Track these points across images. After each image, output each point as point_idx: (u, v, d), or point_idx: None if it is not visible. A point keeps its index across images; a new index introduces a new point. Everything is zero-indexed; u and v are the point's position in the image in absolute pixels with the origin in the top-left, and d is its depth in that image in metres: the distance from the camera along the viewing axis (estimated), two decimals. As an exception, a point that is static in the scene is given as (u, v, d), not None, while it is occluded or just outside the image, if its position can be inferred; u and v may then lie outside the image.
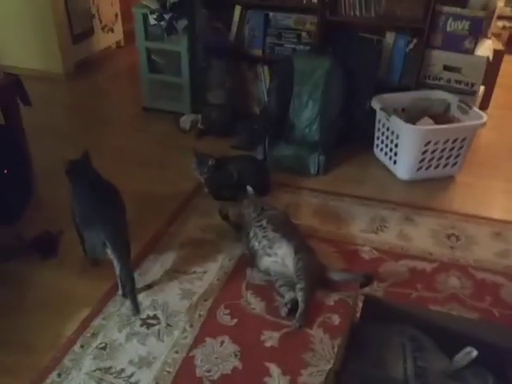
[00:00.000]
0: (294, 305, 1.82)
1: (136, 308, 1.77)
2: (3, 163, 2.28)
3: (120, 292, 1.86)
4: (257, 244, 1.99)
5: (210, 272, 2.02)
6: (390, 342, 1.30)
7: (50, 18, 3.68)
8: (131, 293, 1.78)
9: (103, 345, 1.69)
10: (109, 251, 1.79)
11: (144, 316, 1.81)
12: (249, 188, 2.27)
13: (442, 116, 2.83)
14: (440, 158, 2.67)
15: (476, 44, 2.82)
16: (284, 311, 1.81)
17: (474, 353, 1.27)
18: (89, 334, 1.73)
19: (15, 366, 1.63)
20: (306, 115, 2.92)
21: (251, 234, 2.04)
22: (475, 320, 1.75)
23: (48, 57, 3.83)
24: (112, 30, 4.45)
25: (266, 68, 3.17)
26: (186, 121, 3.20)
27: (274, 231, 1.99)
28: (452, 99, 2.84)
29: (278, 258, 1.94)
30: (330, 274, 1.96)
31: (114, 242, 1.79)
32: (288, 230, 2.04)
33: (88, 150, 2.06)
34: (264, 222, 2.04)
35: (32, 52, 3.84)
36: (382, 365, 1.24)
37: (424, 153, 2.61)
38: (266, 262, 1.97)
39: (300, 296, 1.81)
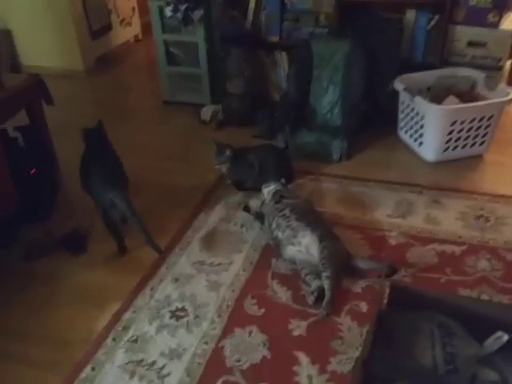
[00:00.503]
0: (320, 293, 1.81)
1: (158, 250, 2.02)
2: (30, 163, 2.33)
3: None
4: (280, 234, 1.99)
5: (236, 263, 2.04)
6: (417, 328, 1.29)
7: (68, 16, 3.72)
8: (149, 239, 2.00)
9: (134, 338, 1.73)
10: (122, 210, 2.03)
11: (173, 308, 1.84)
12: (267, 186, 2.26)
13: (468, 93, 2.74)
14: (467, 138, 2.60)
15: (500, 17, 2.71)
16: (311, 299, 1.81)
17: (505, 337, 1.24)
18: (120, 328, 1.77)
19: (50, 361, 1.69)
20: (327, 100, 2.88)
21: (274, 225, 2.04)
22: (505, 304, 1.70)
23: (68, 54, 3.89)
24: (130, 24, 4.47)
25: (284, 54, 3.13)
26: (206, 112, 3.20)
27: (297, 220, 1.98)
28: (478, 76, 2.75)
29: (303, 247, 1.93)
30: (356, 261, 1.94)
31: (127, 202, 2.02)
32: (312, 218, 2.02)
33: (101, 120, 2.30)
34: (287, 212, 2.03)
35: (52, 50, 3.90)
36: (410, 352, 1.23)
37: (450, 133, 2.54)
38: (290, 251, 1.97)
39: (326, 284, 1.81)
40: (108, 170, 2.12)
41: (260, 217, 2.20)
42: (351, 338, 1.69)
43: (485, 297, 1.80)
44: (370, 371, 1.15)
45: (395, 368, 1.20)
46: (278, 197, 2.13)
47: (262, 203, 2.22)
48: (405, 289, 1.45)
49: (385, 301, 1.50)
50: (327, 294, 1.79)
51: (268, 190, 2.21)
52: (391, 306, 1.44)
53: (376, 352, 1.24)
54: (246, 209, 2.29)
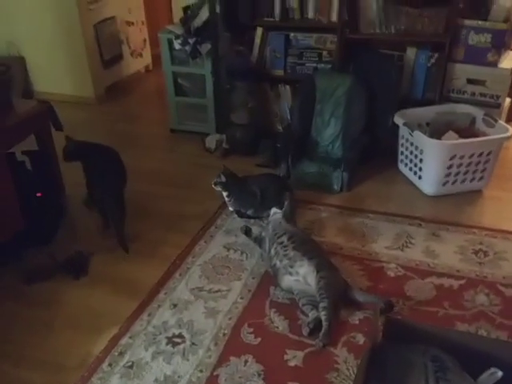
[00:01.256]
0: (317, 324, 1.82)
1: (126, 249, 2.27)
2: (37, 187, 2.38)
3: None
4: (278, 262, 2.01)
5: (234, 290, 2.05)
6: (411, 362, 1.29)
7: (80, 46, 3.85)
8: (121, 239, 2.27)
9: (130, 363, 1.73)
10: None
11: (170, 334, 1.84)
12: (274, 210, 2.28)
13: (467, 130, 2.79)
14: (466, 173, 2.63)
15: (499, 56, 2.78)
16: (305, 331, 1.81)
17: (499, 373, 1.24)
18: (116, 353, 1.78)
19: (47, 384, 1.69)
20: (329, 132, 2.94)
21: (272, 252, 2.06)
22: (499, 340, 1.70)
23: (79, 82, 4.00)
24: (141, 55, 4.60)
25: (287, 87, 3.21)
26: (211, 141, 3.27)
27: (294, 249, 2.00)
28: (477, 112, 2.81)
29: (300, 276, 1.94)
30: (354, 293, 1.94)
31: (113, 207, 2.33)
32: (309, 247, 2.04)
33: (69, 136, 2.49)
34: (285, 239, 2.05)
35: (64, 78, 4.02)
36: (403, 385, 1.23)
37: (449, 167, 2.58)
38: (288, 280, 1.98)
39: (323, 315, 1.81)
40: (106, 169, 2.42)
41: (259, 241, 2.23)
42: (347, 370, 1.68)
43: (482, 332, 1.80)
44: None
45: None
46: (278, 226, 2.15)
47: (265, 226, 2.24)
48: (399, 322, 1.45)
49: (380, 334, 1.50)
50: (324, 325, 1.80)
51: (275, 211, 2.24)
52: (385, 339, 1.44)
53: (370, 384, 1.24)
54: (247, 232, 2.31)
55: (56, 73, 4.02)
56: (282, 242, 2.05)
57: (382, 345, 1.42)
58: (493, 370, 1.25)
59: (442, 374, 1.24)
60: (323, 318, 1.81)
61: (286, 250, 2.01)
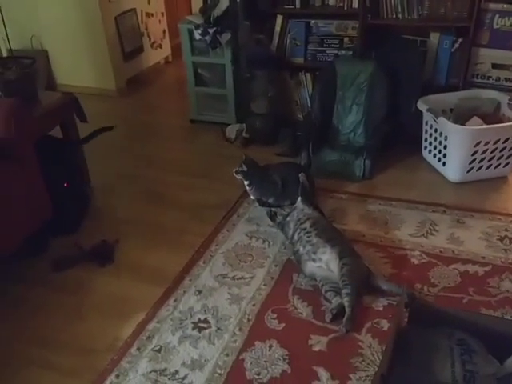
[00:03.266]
0: (340, 310, 1.82)
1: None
2: (64, 177, 2.44)
3: None
4: (301, 248, 2.02)
5: (257, 277, 2.07)
6: (437, 345, 1.29)
7: (102, 39, 3.89)
8: None
9: (158, 347, 1.77)
10: None
11: (195, 320, 1.87)
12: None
13: (492, 115, 2.74)
14: (491, 159, 2.59)
15: (526, 40, 2.72)
16: (328, 317, 1.82)
17: (527, 357, 1.23)
18: (144, 337, 1.81)
19: (76, 368, 1.74)
20: (350, 120, 2.92)
21: (296, 238, 2.07)
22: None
23: (101, 75, 4.05)
24: (160, 47, 4.63)
25: (308, 75, 3.20)
26: (231, 131, 3.28)
27: (317, 236, 2.01)
28: (502, 98, 2.75)
29: (323, 263, 1.95)
30: (377, 280, 1.94)
31: None
32: (332, 234, 2.05)
33: None
34: (307, 226, 2.06)
35: (86, 71, 4.08)
36: (429, 369, 1.23)
37: (474, 153, 2.54)
38: (311, 267, 1.99)
39: (346, 301, 1.82)
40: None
41: (282, 225, 2.24)
42: (372, 355, 1.69)
43: (508, 318, 1.78)
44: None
45: None
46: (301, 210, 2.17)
47: (290, 212, 2.25)
48: (424, 306, 1.45)
49: (405, 318, 1.50)
50: (347, 311, 1.80)
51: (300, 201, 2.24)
52: (411, 322, 1.44)
53: (395, 368, 1.25)
54: (272, 216, 2.31)
55: (78, 66, 4.07)
56: (304, 228, 2.06)
57: (407, 329, 1.42)
58: (521, 353, 1.24)
59: (467, 357, 1.24)
60: (346, 304, 1.82)
61: (309, 237, 2.02)
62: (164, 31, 4.65)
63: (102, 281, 2.13)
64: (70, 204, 2.45)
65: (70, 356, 1.78)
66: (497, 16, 2.70)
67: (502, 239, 2.22)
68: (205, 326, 1.85)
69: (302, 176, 2.34)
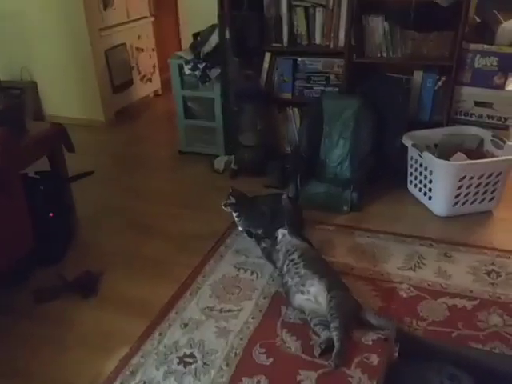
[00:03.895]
0: (329, 344, 1.79)
1: None
2: (49, 207, 2.40)
3: None
4: (290, 280, 2.00)
5: (245, 310, 2.03)
6: (427, 380, 1.27)
7: (91, 71, 3.94)
8: None
9: (142, 383, 1.71)
10: None
11: (181, 354, 1.82)
12: (280, 231, 2.27)
13: (475, 151, 2.81)
14: (476, 193, 2.63)
15: (506, 79, 2.81)
16: (317, 351, 1.78)
17: (520, 392, 1.21)
18: (128, 372, 1.75)
19: (58, 404, 1.67)
20: (337, 153, 2.97)
21: (285, 269, 2.05)
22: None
23: (90, 106, 4.07)
24: (150, 80, 4.70)
25: (295, 110, 3.25)
26: (220, 162, 3.30)
27: (305, 267, 1.99)
28: (485, 134, 2.83)
29: (311, 296, 1.93)
30: (366, 315, 1.91)
31: None
32: (320, 266, 2.03)
33: None
34: (295, 256, 2.05)
35: (75, 102, 4.10)
36: (421, 404, 1.21)
37: (459, 188, 2.59)
38: (299, 299, 1.96)
39: (335, 335, 1.78)
40: None
41: (268, 253, 2.24)
42: (361, 390, 1.65)
43: (498, 352, 1.77)
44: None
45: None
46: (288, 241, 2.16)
47: (276, 241, 2.24)
48: (415, 340, 1.43)
49: (395, 352, 1.48)
50: (336, 345, 1.77)
51: (282, 232, 2.23)
52: (401, 357, 1.42)
53: (387, 403, 1.22)
54: (258, 239, 2.33)
55: (67, 97, 4.10)
56: (292, 260, 2.05)
57: (397, 363, 1.39)
58: (513, 388, 1.23)
59: (460, 392, 1.22)
60: (335, 338, 1.78)
61: (297, 268, 2.00)
62: (154, 65, 4.73)
63: (85, 313, 2.07)
64: (55, 234, 2.40)
65: (50, 392, 1.71)
66: (478, 56, 2.81)
67: (489, 273, 2.23)
68: (190, 360, 1.79)
69: (284, 199, 2.35)
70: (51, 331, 1.98)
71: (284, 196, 2.38)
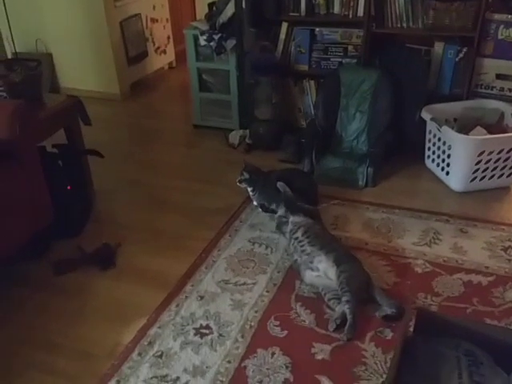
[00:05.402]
0: (344, 319, 1.81)
1: None
2: (67, 180, 2.43)
3: None
4: (299, 259, 2.02)
5: (260, 284, 2.06)
6: (444, 356, 1.27)
7: (107, 43, 3.90)
8: None
9: (159, 353, 1.75)
10: None
11: (197, 325, 1.86)
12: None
13: (495, 126, 2.75)
14: (494, 169, 2.59)
15: (530, 51, 2.73)
16: (331, 326, 1.80)
17: (535, 369, 1.22)
18: (146, 343, 1.80)
19: (76, 372, 1.72)
20: (354, 127, 2.93)
21: (292, 249, 2.06)
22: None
23: (105, 79, 4.06)
24: (165, 52, 4.64)
25: (312, 82, 3.20)
26: (234, 136, 3.29)
27: (310, 244, 1.99)
28: (506, 108, 2.76)
29: (321, 272, 1.94)
30: (374, 292, 1.90)
31: None
32: (325, 241, 2.02)
33: None
34: (299, 235, 2.05)
35: (91, 75, 4.09)
36: (436, 379, 1.22)
37: (478, 163, 2.54)
38: (310, 276, 1.98)
39: (347, 308, 1.80)
40: None
41: (278, 223, 2.26)
42: (375, 364, 1.67)
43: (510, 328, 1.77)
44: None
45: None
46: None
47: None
48: (431, 316, 1.43)
49: (411, 328, 1.49)
50: (348, 318, 1.79)
51: (294, 220, 2.18)
52: (417, 332, 1.43)
53: (402, 378, 1.23)
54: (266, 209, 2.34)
55: (82, 69, 4.08)
56: (297, 238, 2.05)
57: (413, 338, 1.40)
58: (528, 365, 1.23)
59: (475, 368, 1.22)
60: (347, 311, 1.80)
61: (302, 246, 2.01)
62: (168, 37, 4.66)
63: (103, 285, 2.12)
64: (73, 207, 2.44)
65: (72, 361, 1.77)
66: (501, 27, 2.72)
67: (505, 249, 2.21)
68: (207, 332, 1.83)
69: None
70: (70, 302, 2.03)
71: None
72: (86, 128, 2.64)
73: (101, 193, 2.77)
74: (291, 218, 2.17)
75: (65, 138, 2.56)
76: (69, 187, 2.42)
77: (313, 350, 1.74)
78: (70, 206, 2.41)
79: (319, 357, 1.71)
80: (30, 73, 2.39)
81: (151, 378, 1.66)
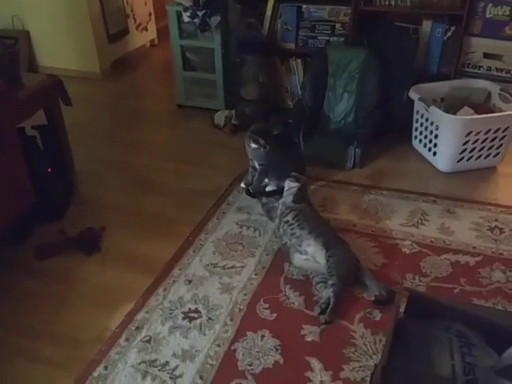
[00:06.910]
0: (329, 304, 1.79)
1: None
2: (47, 162, 2.35)
3: None
4: (288, 242, 2.00)
5: (248, 267, 2.04)
6: (436, 337, 1.28)
7: (86, 20, 3.77)
8: None
9: (147, 338, 1.73)
10: None
11: (186, 309, 1.84)
12: (288, 183, 2.19)
13: (482, 105, 2.74)
14: (481, 149, 2.59)
15: (518, 29, 2.71)
16: (316, 310, 1.79)
17: (525, 349, 1.23)
18: (133, 328, 1.77)
19: (63, 359, 1.69)
20: (342, 108, 2.89)
21: (281, 231, 2.04)
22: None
23: (85, 57, 3.93)
24: (146, 29, 4.52)
25: (299, 61, 3.14)
26: (220, 117, 3.22)
27: (300, 227, 1.97)
28: (493, 88, 2.75)
29: (309, 256, 1.93)
30: (364, 275, 1.90)
31: None
32: (315, 224, 2.00)
33: None
34: (290, 218, 2.02)
35: (69, 52, 3.95)
36: (428, 361, 1.22)
37: (465, 143, 2.54)
38: (298, 259, 1.97)
39: (331, 292, 1.80)
40: None
41: (266, 208, 2.22)
42: (364, 345, 1.68)
43: (503, 309, 1.78)
44: (388, 381, 1.14)
45: (413, 377, 1.19)
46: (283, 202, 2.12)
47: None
48: (423, 297, 1.43)
49: (402, 309, 1.49)
50: (331, 302, 1.78)
51: (289, 185, 2.11)
52: (408, 314, 1.43)
53: (394, 361, 1.23)
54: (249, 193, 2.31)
55: (61, 47, 3.95)
56: (287, 221, 2.03)
57: (404, 320, 1.40)
58: (518, 345, 1.24)
59: (467, 350, 1.23)
60: (331, 294, 1.79)
61: (292, 229, 1.99)
62: (150, 13, 4.53)
63: (88, 269, 2.07)
64: (55, 190, 2.37)
65: (58, 347, 1.73)
66: (490, 5, 2.69)
67: (492, 230, 2.23)
68: (195, 315, 1.81)
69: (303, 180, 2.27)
70: (54, 288, 1.98)
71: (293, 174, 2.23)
72: (66, 108, 2.54)
73: (83, 174, 2.70)
74: (282, 200, 2.13)
75: (45, 119, 2.47)
76: (50, 169, 2.35)
77: (302, 332, 1.74)
78: (51, 189, 2.34)
79: (309, 339, 1.71)
80: (8, 51, 2.29)
81: (139, 363, 1.64)
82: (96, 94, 3.80)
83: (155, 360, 1.65)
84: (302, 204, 2.10)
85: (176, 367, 1.62)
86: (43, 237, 2.23)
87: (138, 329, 1.77)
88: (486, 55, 2.81)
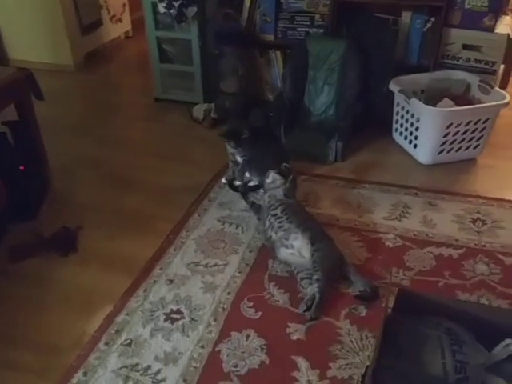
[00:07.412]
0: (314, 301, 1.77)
1: None
2: (19, 160, 2.26)
3: None
4: (274, 235, 1.96)
5: (232, 264, 1.99)
6: (426, 336, 1.26)
7: (58, 10, 3.64)
8: None
9: (128, 341, 1.67)
10: None
11: (167, 311, 1.78)
12: (273, 175, 2.16)
13: (462, 97, 2.75)
14: (462, 141, 2.59)
15: (496, 21, 2.72)
16: (302, 308, 1.76)
17: (513, 344, 1.22)
18: (113, 331, 1.71)
19: (40, 365, 1.62)
20: (322, 100, 2.86)
21: (267, 224, 2.00)
22: (512, 310, 1.69)
23: (57, 49, 3.80)
24: (120, 21, 4.39)
25: (278, 53, 3.10)
26: (198, 110, 3.15)
27: (288, 221, 1.94)
28: (472, 79, 2.76)
29: (295, 250, 1.90)
30: (348, 271, 1.89)
31: None
32: (302, 218, 1.98)
33: None
34: (278, 211, 1.99)
35: (41, 45, 3.81)
36: (418, 359, 1.20)
37: (445, 135, 2.54)
38: (284, 253, 1.93)
39: (316, 287, 1.77)
40: None
41: (255, 208, 2.18)
42: (351, 342, 1.66)
43: (484, 301, 1.79)
44: (379, 381, 1.11)
45: (403, 377, 1.17)
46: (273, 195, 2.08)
47: (261, 196, 2.17)
48: (412, 294, 1.41)
49: (390, 306, 1.47)
50: (316, 297, 1.75)
51: (274, 178, 2.10)
52: (396, 311, 1.41)
53: (384, 361, 1.20)
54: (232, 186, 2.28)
55: (32, 39, 3.80)
56: (275, 214, 1.99)
57: (392, 318, 1.38)
58: (508, 341, 1.23)
59: (457, 348, 1.21)
60: (316, 289, 1.76)
61: (280, 222, 1.95)
62: (124, 4, 4.41)
63: (65, 271, 1.99)
64: (27, 188, 2.27)
65: (34, 354, 1.66)
66: (469, -4, 2.68)
67: (474, 221, 2.23)
68: (178, 317, 1.76)
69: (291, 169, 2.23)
70: (30, 291, 1.90)
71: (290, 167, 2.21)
72: (38, 103, 2.44)
73: (57, 171, 2.59)
74: (270, 193, 2.09)
75: (16, 115, 2.36)
76: (22, 167, 2.25)
77: (288, 330, 1.70)
78: (24, 188, 2.24)
79: (294, 337, 1.68)
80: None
81: (120, 367, 1.58)
82: (69, 88, 3.68)
83: (137, 364, 1.59)
84: (292, 199, 2.08)
85: (158, 371, 1.57)
86: (16, 237, 2.14)
87: (118, 332, 1.70)
88: (465, 46, 2.81)
